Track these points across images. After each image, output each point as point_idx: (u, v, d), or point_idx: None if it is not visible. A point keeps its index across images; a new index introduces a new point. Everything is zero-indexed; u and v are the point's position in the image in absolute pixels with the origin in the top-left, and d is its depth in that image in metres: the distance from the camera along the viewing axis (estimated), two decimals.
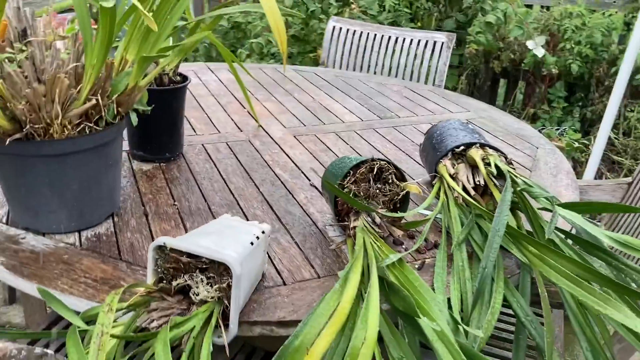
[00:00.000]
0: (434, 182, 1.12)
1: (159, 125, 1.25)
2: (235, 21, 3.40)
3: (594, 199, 1.43)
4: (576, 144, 3.13)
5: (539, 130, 3.44)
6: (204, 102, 1.69)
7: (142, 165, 1.26)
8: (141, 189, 1.16)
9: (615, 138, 3.20)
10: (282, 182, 1.22)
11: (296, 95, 1.83)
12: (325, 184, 1.05)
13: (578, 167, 3.19)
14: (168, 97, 1.22)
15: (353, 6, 3.29)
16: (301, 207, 1.13)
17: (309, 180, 1.24)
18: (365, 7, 3.37)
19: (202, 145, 1.39)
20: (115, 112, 0.96)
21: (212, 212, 1.08)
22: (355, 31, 2.31)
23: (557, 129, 3.40)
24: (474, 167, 1.10)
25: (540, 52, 3.01)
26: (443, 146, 1.15)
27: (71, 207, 0.96)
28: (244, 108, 1.66)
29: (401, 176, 1.03)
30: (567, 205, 0.93)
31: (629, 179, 1.40)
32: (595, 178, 2.43)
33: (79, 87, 0.90)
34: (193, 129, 1.49)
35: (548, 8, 3.68)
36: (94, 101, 0.90)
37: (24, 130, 0.87)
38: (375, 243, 0.89)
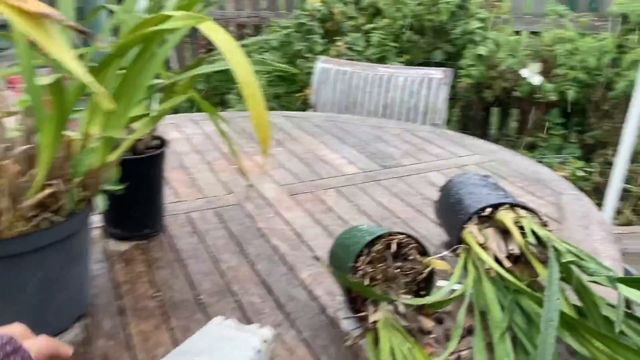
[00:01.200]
0: (457, 251, 0.97)
1: (135, 198, 1.08)
2: None
3: (631, 247, 1.28)
4: (581, 173, 3.00)
5: (539, 161, 3.32)
6: (187, 161, 1.53)
7: (118, 245, 1.09)
8: (117, 277, 0.99)
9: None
10: (280, 257, 1.06)
11: (288, 145, 1.68)
12: (335, 268, 0.89)
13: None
14: (144, 167, 1.07)
15: (339, 43, 3.18)
16: (306, 288, 0.96)
17: (312, 250, 1.08)
18: (351, 44, 3.26)
19: (187, 214, 1.22)
20: (80, 198, 0.80)
21: (201, 305, 0.91)
22: (345, 71, 2.19)
23: (558, 158, 3.28)
24: (504, 232, 0.94)
25: (536, 80, 2.91)
26: (464, 207, 0.99)
27: (30, 314, 0.79)
28: (233, 164, 1.50)
29: (423, 250, 0.88)
30: (628, 281, 0.77)
31: None
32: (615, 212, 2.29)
33: (32, 172, 0.74)
34: (176, 194, 1.32)
35: (536, 34, 3.61)
36: (51, 189, 0.74)
37: None
38: (404, 344, 0.72)
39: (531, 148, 3.52)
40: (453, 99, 3.43)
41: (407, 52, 3.35)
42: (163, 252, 1.07)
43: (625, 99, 3.09)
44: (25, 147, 0.73)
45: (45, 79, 0.60)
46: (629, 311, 0.78)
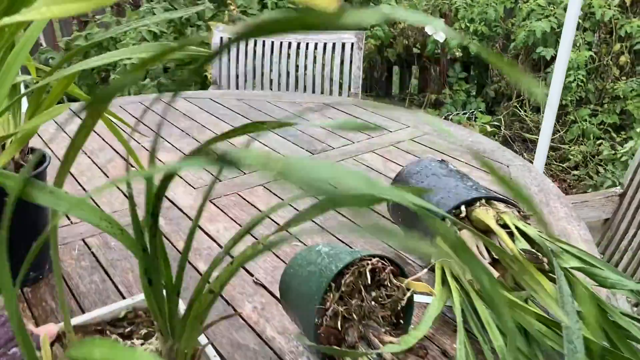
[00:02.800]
0: (431, 262, 0.81)
1: (12, 235, 0.82)
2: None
3: (583, 216, 1.19)
4: (489, 128, 2.99)
5: (446, 117, 3.28)
6: (75, 168, 1.25)
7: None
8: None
9: (525, 116, 3.11)
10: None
11: (196, 134, 1.44)
12: (290, 304, 0.70)
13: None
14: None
15: (232, 7, 2.90)
16: (253, 330, 0.77)
17: (250, 274, 0.88)
18: (244, 7, 2.99)
19: (83, 240, 0.97)
20: None
21: None
22: (248, 41, 1.94)
23: (465, 113, 3.26)
24: (481, 231, 0.80)
25: (441, 36, 2.82)
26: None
27: None
28: (133, 167, 1.25)
29: (399, 271, 0.71)
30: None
31: (618, 189, 1.18)
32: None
33: None
34: (66, 216, 1.06)
35: None
36: None
37: None
38: None
39: (437, 105, 3.48)
40: None
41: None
42: (56, 300, 0.82)
43: (525, 49, 3.10)
44: None
45: None
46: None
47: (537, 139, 3.10)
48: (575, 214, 1.04)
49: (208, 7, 2.91)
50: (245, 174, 1.22)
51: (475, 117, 3.19)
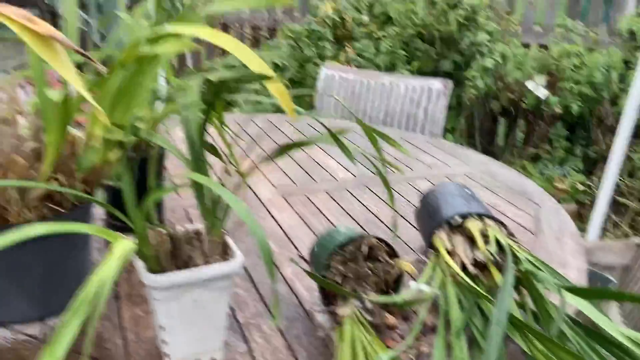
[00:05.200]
0: (429, 255, 1.04)
1: (136, 192, 1.17)
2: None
3: (603, 261, 1.34)
4: (580, 187, 3.04)
5: (540, 172, 3.37)
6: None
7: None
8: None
9: (620, 179, 3.12)
10: None
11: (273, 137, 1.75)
12: (313, 266, 0.96)
13: (582, 209, 3.10)
14: (143, 165, 1.15)
15: (349, 50, 3.26)
16: (287, 283, 1.04)
17: (297, 250, 1.16)
18: (361, 50, 3.33)
19: (185, 210, 1.31)
20: (82, 191, 0.89)
21: None
22: (348, 79, 2.26)
23: (560, 170, 3.33)
24: (472, 240, 1.01)
25: (542, 93, 2.96)
26: (439, 215, 1.06)
27: (32, 295, 0.88)
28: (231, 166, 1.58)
29: (393, 253, 0.95)
30: (577, 291, 0.84)
31: (639, 240, 1.32)
32: (603, 224, 2.33)
33: (37, 167, 0.83)
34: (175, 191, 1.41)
35: (546, 47, 3.65)
36: (54, 182, 0.83)
37: None
38: (366, 337, 0.80)
39: (535, 159, 3.57)
40: (459, 106, 3.49)
41: (416, 60, 3.41)
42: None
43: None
44: (33, 144, 0.82)
45: (54, 93, 0.68)
46: (576, 318, 0.85)
47: (630, 203, 3.09)
48: (583, 250, 1.21)
49: (328, 48, 3.28)
50: (316, 182, 1.51)
51: (569, 175, 3.25)
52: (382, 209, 1.36)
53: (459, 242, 1.01)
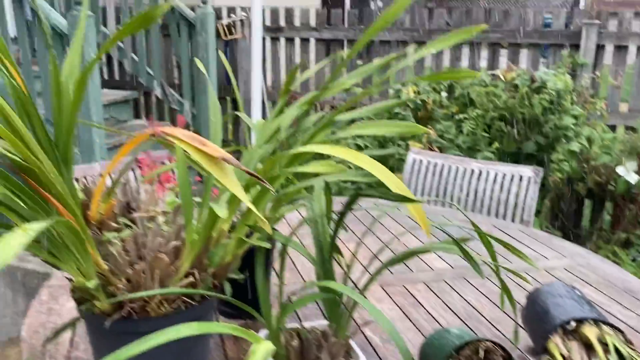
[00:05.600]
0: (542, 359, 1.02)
1: (246, 282, 1.23)
2: None
3: None
4: None
5: (633, 259, 3.21)
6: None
7: (228, 322, 1.23)
8: (227, 352, 1.12)
9: None
10: (373, 348, 1.15)
11: (379, 234, 1.79)
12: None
13: None
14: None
15: (430, 130, 3.31)
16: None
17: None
18: (442, 132, 3.38)
19: (288, 297, 1.35)
20: (212, 284, 0.95)
21: None
22: (436, 163, 2.30)
23: None
24: (587, 346, 0.99)
25: (633, 178, 2.88)
26: (549, 318, 1.05)
27: None
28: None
29: (509, 357, 0.95)
30: None
31: None
32: None
33: (177, 263, 0.90)
34: (277, 275, 1.46)
35: (633, 129, 3.57)
36: (191, 278, 0.90)
37: (123, 310, 0.86)
38: None
39: (625, 244, 3.42)
40: (542, 188, 3.43)
41: (498, 141, 3.42)
42: None
43: None
44: (176, 242, 0.90)
45: (221, 210, 0.75)
46: None
47: None
48: None
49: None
50: (413, 272, 1.53)
51: None
52: (485, 304, 1.36)
53: (575, 348, 0.99)
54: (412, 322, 1.26)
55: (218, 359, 1.10)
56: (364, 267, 1.24)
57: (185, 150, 0.71)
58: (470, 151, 3.36)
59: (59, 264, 0.83)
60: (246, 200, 0.65)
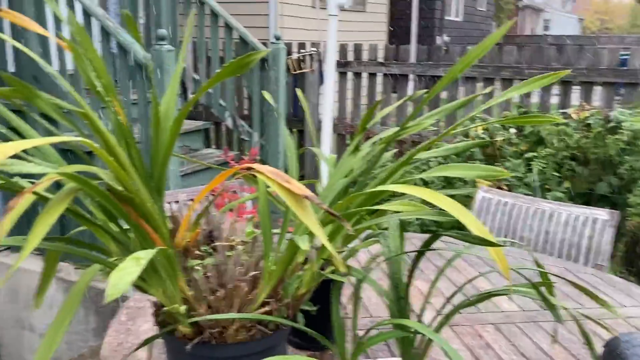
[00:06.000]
0: None
1: (316, 314, 1.25)
2: None
3: None
4: None
5: None
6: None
7: (297, 352, 1.25)
8: None
9: None
10: None
11: (448, 273, 1.77)
12: None
13: None
14: (326, 287, 1.23)
15: (508, 173, 3.26)
16: None
17: None
18: (511, 169, 3.32)
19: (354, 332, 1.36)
20: (286, 314, 0.97)
21: None
22: (506, 202, 2.26)
23: None
24: None
25: None
26: None
27: None
28: None
29: None
30: None
31: None
32: None
33: (255, 292, 0.93)
34: (344, 308, 1.47)
35: None
36: (267, 307, 0.93)
37: (203, 335, 0.90)
38: None
39: None
40: (617, 233, 3.29)
41: (569, 181, 3.32)
42: None
43: None
44: (255, 272, 0.93)
45: (303, 243, 0.78)
46: None
47: None
48: None
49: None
50: (482, 312, 1.50)
51: None
52: (557, 350, 1.32)
53: None
54: None
55: None
56: (435, 309, 1.24)
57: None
58: (540, 190, 3.28)
59: (147, 287, 0.87)
60: (324, 239, 0.67)
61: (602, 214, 2.06)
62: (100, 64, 0.77)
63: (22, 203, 0.65)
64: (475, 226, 0.70)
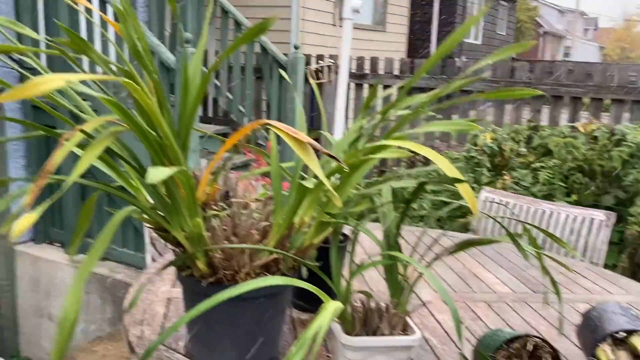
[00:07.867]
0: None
1: (319, 277, 1.36)
2: None
3: None
4: None
5: None
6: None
7: (300, 314, 1.37)
8: (299, 336, 1.25)
9: None
10: (430, 347, 1.25)
11: (446, 260, 1.88)
12: (477, 356, 1.06)
13: None
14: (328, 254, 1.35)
15: (506, 177, 3.37)
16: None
17: (459, 349, 1.26)
18: (518, 179, 3.42)
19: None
20: (290, 265, 1.10)
21: None
22: (508, 202, 2.37)
23: None
24: (636, 357, 1.05)
25: None
26: (601, 330, 1.11)
27: (241, 347, 1.08)
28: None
29: (556, 356, 1.02)
30: None
31: None
32: None
33: (265, 242, 1.06)
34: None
35: None
36: (275, 255, 1.05)
37: (217, 275, 1.02)
38: None
39: None
40: (620, 242, 3.36)
41: (575, 192, 3.41)
42: None
43: None
44: (265, 223, 1.06)
45: (309, 182, 0.91)
46: None
47: None
48: None
49: (485, 174, 3.42)
50: (475, 292, 1.61)
51: None
52: (544, 325, 1.42)
53: (623, 356, 1.05)
54: (470, 332, 1.34)
55: (291, 342, 1.23)
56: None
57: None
58: (546, 199, 3.37)
59: (167, 226, 1.00)
60: (322, 177, 0.80)
61: (599, 215, 2.16)
62: (141, 30, 0.91)
63: (71, 140, 0.78)
64: (447, 168, 0.82)
